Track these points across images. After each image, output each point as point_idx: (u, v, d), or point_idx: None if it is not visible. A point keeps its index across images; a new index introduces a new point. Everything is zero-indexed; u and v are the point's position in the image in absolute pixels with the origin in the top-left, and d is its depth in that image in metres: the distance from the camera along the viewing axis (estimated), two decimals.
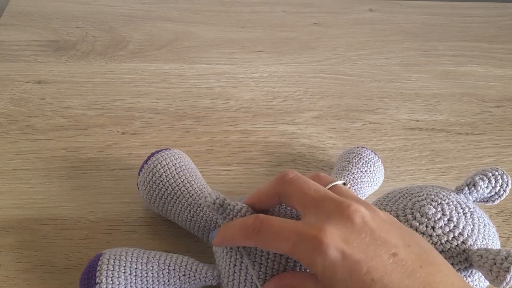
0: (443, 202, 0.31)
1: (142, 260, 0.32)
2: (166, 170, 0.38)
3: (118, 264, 0.32)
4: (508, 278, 0.27)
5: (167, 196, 0.38)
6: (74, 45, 0.60)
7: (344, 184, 0.31)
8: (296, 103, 0.55)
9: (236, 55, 0.61)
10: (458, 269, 0.30)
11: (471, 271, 0.30)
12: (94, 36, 0.62)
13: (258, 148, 0.49)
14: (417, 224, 0.30)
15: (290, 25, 0.67)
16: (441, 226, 0.30)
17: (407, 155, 0.49)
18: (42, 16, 0.65)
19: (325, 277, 0.25)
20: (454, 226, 0.30)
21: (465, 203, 0.32)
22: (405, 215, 0.31)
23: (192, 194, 0.37)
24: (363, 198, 0.41)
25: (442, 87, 0.58)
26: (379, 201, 0.35)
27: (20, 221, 0.40)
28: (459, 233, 0.30)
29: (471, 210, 0.32)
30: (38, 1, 0.67)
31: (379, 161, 0.43)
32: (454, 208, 0.31)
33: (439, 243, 0.30)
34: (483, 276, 0.30)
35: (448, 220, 0.31)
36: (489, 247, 0.31)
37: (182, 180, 0.38)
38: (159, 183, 0.38)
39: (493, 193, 0.34)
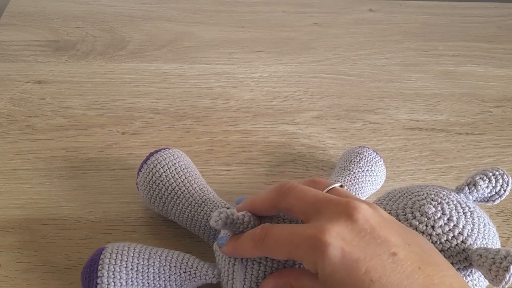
0: (443, 201, 0.32)
1: (144, 255, 0.32)
2: (166, 169, 0.38)
3: (120, 259, 0.32)
4: (507, 277, 0.27)
5: (167, 195, 0.38)
6: (74, 45, 0.60)
7: (341, 186, 0.31)
8: (296, 103, 0.55)
9: (236, 55, 0.61)
10: (458, 269, 0.30)
11: (471, 270, 0.30)
12: (94, 36, 0.62)
13: (258, 148, 0.49)
14: (417, 223, 0.31)
15: (290, 25, 0.67)
16: (441, 226, 0.30)
17: (407, 155, 0.49)
18: (42, 16, 0.65)
19: (324, 276, 0.25)
20: (454, 225, 0.30)
21: (465, 202, 0.32)
22: (405, 214, 0.31)
23: (193, 194, 0.37)
24: (364, 198, 0.41)
25: (442, 87, 0.58)
26: (379, 200, 0.35)
27: (20, 221, 0.40)
28: (459, 233, 0.30)
29: (471, 209, 0.32)
30: (38, 1, 0.67)
31: (380, 161, 0.43)
32: (454, 207, 0.31)
33: (438, 242, 0.30)
34: (482, 276, 0.31)
35: (448, 219, 0.31)
36: (489, 246, 0.31)
37: (182, 180, 0.38)
38: (159, 183, 0.38)
39: (493, 193, 0.34)
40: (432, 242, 0.30)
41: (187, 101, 0.54)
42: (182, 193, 0.37)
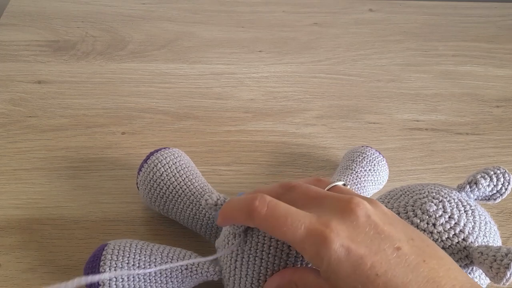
0: (444, 199, 0.32)
1: (145, 252, 0.33)
2: (167, 169, 0.38)
3: (122, 255, 0.32)
4: (508, 275, 0.27)
5: (168, 195, 0.38)
6: (74, 45, 0.60)
7: (344, 185, 0.31)
8: (296, 103, 0.55)
9: (236, 55, 0.61)
10: (458, 266, 0.30)
11: (472, 268, 0.30)
12: (94, 36, 0.62)
13: (258, 148, 0.49)
14: (418, 221, 0.31)
15: (290, 25, 0.67)
16: (442, 223, 0.30)
17: (407, 155, 0.49)
18: (42, 16, 0.65)
19: (329, 272, 0.25)
20: (455, 223, 0.30)
21: (466, 201, 0.32)
22: (406, 212, 0.31)
23: (194, 193, 0.37)
24: None
25: (442, 87, 0.58)
26: (380, 198, 0.35)
27: (20, 221, 0.40)
28: (460, 231, 0.30)
29: (472, 208, 0.32)
30: (38, 1, 0.67)
31: (383, 160, 0.43)
32: (455, 205, 0.31)
33: (439, 240, 0.30)
34: (483, 274, 0.31)
35: (449, 217, 0.31)
36: (490, 244, 0.31)
37: (183, 179, 0.38)
38: (159, 182, 0.38)
39: (494, 191, 0.34)
40: (433, 240, 0.30)
41: (187, 101, 0.54)
42: (183, 191, 0.37)
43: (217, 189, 0.40)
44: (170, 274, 0.32)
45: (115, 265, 0.32)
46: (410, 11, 0.71)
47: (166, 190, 0.38)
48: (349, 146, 0.46)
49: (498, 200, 0.34)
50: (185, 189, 0.38)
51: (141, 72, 0.57)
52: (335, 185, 0.30)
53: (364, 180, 0.41)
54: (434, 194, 0.32)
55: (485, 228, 0.31)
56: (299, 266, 0.29)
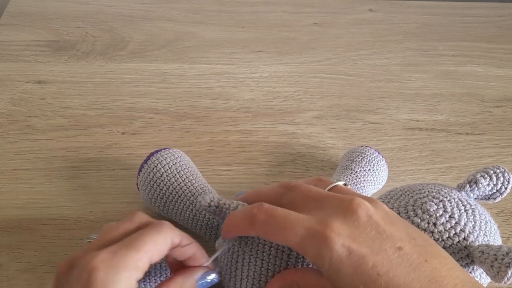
0: (445, 199, 0.32)
1: None
2: (167, 169, 0.38)
3: None
4: (510, 274, 0.27)
5: (168, 195, 0.38)
6: (74, 45, 0.60)
7: (345, 185, 0.31)
8: (296, 103, 0.55)
9: (236, 55, 0.61)
10: (459, 265, 0.30)
11: (473, 267, 0.30)
12: (94, 36, 0.62)
13: (258, 148, 0.49)
14: (419, 220, 0.31)
15: (290, 25, 0.67)
16: (442, 223, 0.30)
17: (407, 155, 0.49)
18: (42, 16, 0.65)
19: (330, 272, 0.25)
20: (456, 223, 0.30)
21: (466, 200, 0.32)
22: (407, 212, 0.31)
23: (194, 193, 0.37)
24: None
25: (442, 87, 0.58)
26: (380, 198, 0.35)
27: (20, 221, 0.40)
28: (461, 230, 0.30)
29: (472, 207, 0.32)
30: (38, 1, 0.67)
31: (382, 160, 0.43)
32: (455, 205, 0.31)
33: (440, 239, 0.30)
34: (484, 273, 0.31)
35: (450, 217, 0.31)
36: (491, 243, 0.31)
37: (183, 179, 0.38)
38: (160, 183, 0.38)
39: (494, 191, 0.34)
40: (434, 240, 0.30)
41: (187, 101, 0.54)
42: (183, 192, 0.37)
43: (217, 189, 0.40)
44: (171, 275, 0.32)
45: None
46: (410, 11, 0.71)
47: (166, 191, 0.38)
48: (349, 146, 0.46)
49: (498, 199, 0.34)
50: (185, 189, 0.38)
51: (141, 72, 0.57)
52: (336, 185, 0.30)
53: (364, 180, 0.41)
54: (434, 193, 0.32)
55: (486, 227, 0.31)
56: (300, 267, 0.29)
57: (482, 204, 0.35)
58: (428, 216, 0.31)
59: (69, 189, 0.43)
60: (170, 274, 0.31)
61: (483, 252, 0.28)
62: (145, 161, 0.39)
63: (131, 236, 0.27)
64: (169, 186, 0.38)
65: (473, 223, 0.31)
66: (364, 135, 0.51)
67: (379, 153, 0.43)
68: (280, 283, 0.29)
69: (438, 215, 0.31)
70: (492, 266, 0.28)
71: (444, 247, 0.30)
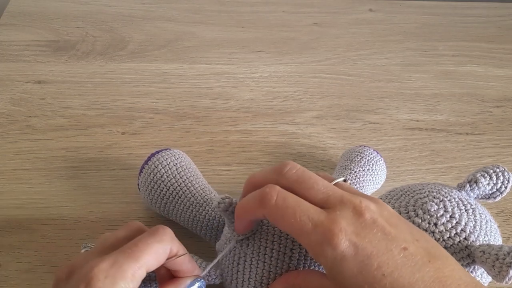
0: (445, 199, 0.32)
1: None
2: (167, 170, 0.38)
3: None
4: (511, 274, 0.27)
5: (169, 196, 0.38)
6: (74, 45, 0.60)
7: (345, 181, 0.31)
8: (296, 103, 0.55)
9: (236, 55, 0.61)
10: (461, 265, 0.30)
11: (474, 267, 0.30)
12: (94, 36, 0.62)
13: (258, 148, 0.49)
14: (420, 221, 0.31)
15: (290, 25, 0.67)
16: (443, 223, 0.30)
17: (407, 155, 0.49)
18: (42, 16, 0.65)
19: (334, 270, 0.25)
20: (457, 222, 0.30)
21: (466, 200, 0.32)
22: (408, 212, 0.31)
23: (194, 194, 0.37)
24: None
25: (442, 87, 0.58)
26: (380, 198, 0.35)
27: (20, 221, 0.40)
28: (462, 230, 0.30)
29: (473, 206, 0.32)
30: (38, 1, 0.67)
31: (381, 160, 0.43)
32: (456, 205, 0.31)
33: (441, 239, 0.30)
34: (485, 272, 0.31)
35: (451, 216, 0.31)
36: (491, 243, 0.31)
37: (184, 180, 0.38)
38: (160, 183, 0.38)
39: (494, 190, 0.34)
40: (435, 240, 0.30)
41: (187, 101, 0.54)
42: (183, 193, 0.37)
43: (217, 189, 0.40)
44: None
45: None
46: (410, 11, 0.71)
47: (166, 192, 0.38)
48: (349, 146, 0.46)
49: (498, 198, 0.34)
50: (186, 190, 0.38)
51: (141, 72, 0.57)
52: (337, 182, 0.30)
53: (363, 180, 0.41)
54: (434, 193, 0.32)
55: (486, 227, 0.31)
56: (301, 269, 0.29)
57: (482, 204, 0.35)
58: (428, 216, 0.31)
59: (69, 189, 0.43)
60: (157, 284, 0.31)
61: (484, 252, 0.28)
62: (146, 162, 0.39)
63: (131, 242, 0.27)
64: (169, 187, 0.38)
65: (473, 222, 0.31)
66: (364, 135, 0.51)
67: (377, 152, 0.43)
68: (283, 285, 0.29)
69: (438, 215, 0.31)
70: (493, 266, 0.28)
71: (445, 247, 0.30)
